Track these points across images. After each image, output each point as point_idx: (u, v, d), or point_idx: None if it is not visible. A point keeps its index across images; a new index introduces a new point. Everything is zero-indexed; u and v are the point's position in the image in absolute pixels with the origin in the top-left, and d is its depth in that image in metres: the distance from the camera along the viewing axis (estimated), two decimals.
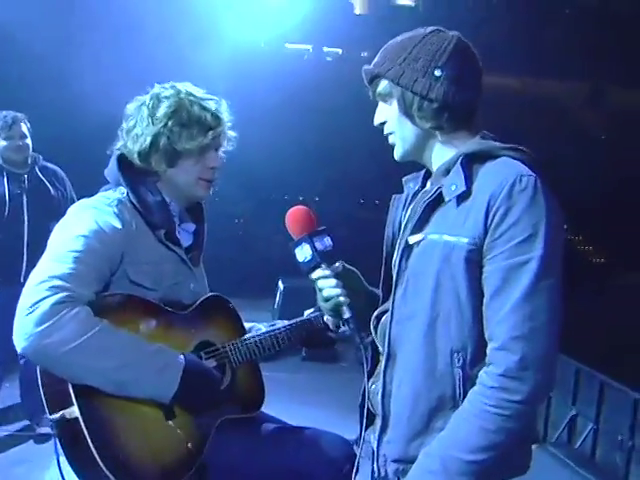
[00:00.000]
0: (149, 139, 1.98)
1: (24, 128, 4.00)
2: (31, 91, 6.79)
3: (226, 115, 2.10)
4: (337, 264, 1.74)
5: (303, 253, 1.71)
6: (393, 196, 1.85)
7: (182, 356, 1.85)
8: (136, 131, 2.01)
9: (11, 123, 3.94)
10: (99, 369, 1.70)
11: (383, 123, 1.71)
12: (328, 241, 1.71)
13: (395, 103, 1.66)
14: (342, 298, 1.71)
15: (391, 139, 1.71)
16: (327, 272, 1.71)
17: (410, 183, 1.83)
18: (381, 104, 1.71)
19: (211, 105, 2.06)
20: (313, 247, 1.69)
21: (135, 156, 2.01)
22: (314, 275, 1.73)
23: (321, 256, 1.70)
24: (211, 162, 2.07)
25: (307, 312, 2.36)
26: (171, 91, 2.04)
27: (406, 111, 1.64)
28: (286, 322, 2.28)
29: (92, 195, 2.03)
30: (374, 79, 1.69)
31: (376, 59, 1.69)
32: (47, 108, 6.37)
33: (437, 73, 1.60)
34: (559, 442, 4.01)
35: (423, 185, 1.78)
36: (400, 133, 1.68)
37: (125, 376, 1.73)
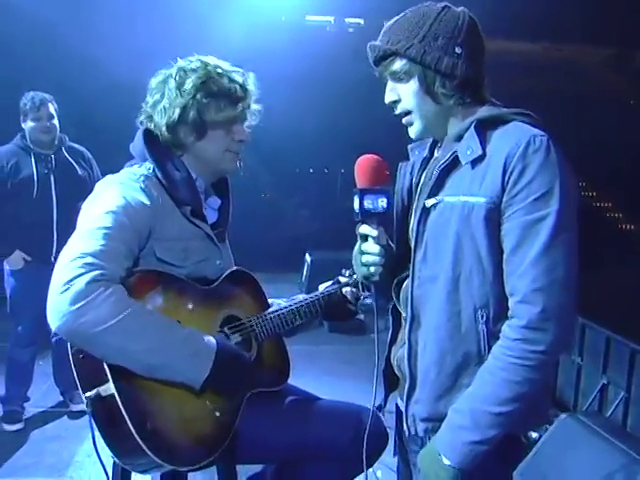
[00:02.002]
0: (178, 111, 1.98)
1: (52, 109, 4.02)
2: (44, 63, 6.82)
3: (253, 88, 2.10)
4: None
5: (355, 204, 1.70)
6: (400, 164, 1.87)
7: (214, 341, 1.85)
8: (163, 104, 2.00)
9: (39, 104, 3.96)
10: (130, 351, 1.70)
11: (395, 101, 1.71)
12: (382, 202, 1.68)
13: (413, 81, 1.66)
14: (374, 268, 1.72)
15: (407, 118, 1.72)
16: (374, 233, 1.70)
17: (416, 150, 1.86)
18: (392, 83, 1.71)
19: (238, 77, 2.06)
20: (361, 203, 1.68)
21: (163, 129, 2.01)
22: (360, 229, 1.72)
23: (364, 215, 1.69)
24: (239, 135, 2.07)
25: (323, 285, 2.38)
26: (198, 63, 2.03)
27: (428, 89, 1.65)
28: (306, 295, 2.30)
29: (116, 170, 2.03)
30: (386, 57, 1.68)
31: (386, 37, 1.68)
32: (63, 78, 6.40)
33: (458, 50, 1.62)
34: (590, 411, 4.00)
35: (431, 152, 1.81)
36: (420, 111, 1.69)
37: (155, 360, 1.73)
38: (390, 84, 1.71)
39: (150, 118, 2.05)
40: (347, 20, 9.94)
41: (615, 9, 7.56)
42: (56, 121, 4.04)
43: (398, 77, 1.69)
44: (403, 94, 1.69)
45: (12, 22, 6.56)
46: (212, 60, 2.05)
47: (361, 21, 9.99)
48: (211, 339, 1.86)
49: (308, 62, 7.92)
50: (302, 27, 9.30)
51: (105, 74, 6.85)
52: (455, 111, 1.69)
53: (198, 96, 1.98)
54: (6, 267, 4.09)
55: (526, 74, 9.25)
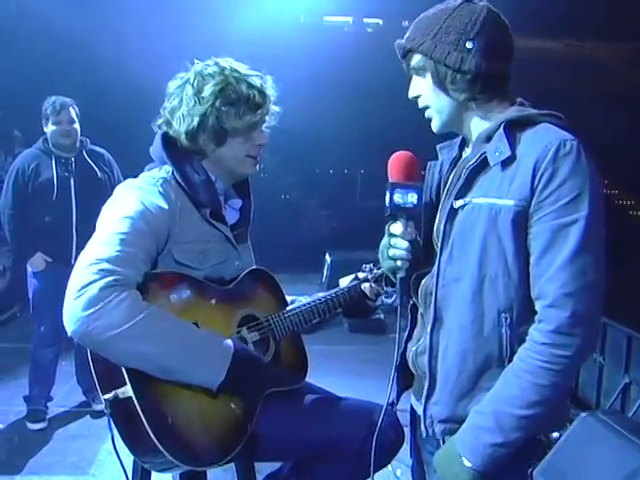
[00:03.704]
0: (197, 119, 1.96)
1: (72, 113, 4.07)
2: (61, 65, 6.88)
3: (271, 91, 2.08)
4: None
5: (386, 198, 1.70)
6: (428, 163, 1.87)
7: (231, 344, 1.86)
8: (182, 111, 1.99)
9: (60, 108, 4.01)
10: (144, 354, 1.71)
11: (417, 96, 1.73)
12: (412, 198, 1.68)
13: (429, 76, 1.67)
14: (400, 262, 1.70)
15: (427, 113, 1.73)
16: (402, 229, 1.69)
17: (444, 150, 1.86)
18: (415, 77, 1.73)
19: (257, 82, 2.03)
20: (391, 197, 1.68)
21: (182, 137, 2.00)
22: (392, 228, 1.71)
23: (394, 209, 1.68)
24: (259, 139, 2.07)
25: (342, 280, 2.38)
26: (215, 68, 2.01)
27: (440, 84, 1.66)
28: (325, 293, 2.29)
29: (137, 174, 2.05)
30: (407, 53, 1.71)
31: (408, 33, 1.70)
32: (79, 79, 6.46)
33: (469, 45, 1.61)
34: (610, 410, 3.96)
35: (460, 152, 1.81)
36: (435, 106, 1.70)
37: (171, 363, 1.75)
38: (414, 79, 1.73)
39: (168, 124, 2.04)
40: (365, 20, 9.94)
41: (637, 4, 7.49)
42: (77, 125, 4.09)
43: (417, 72, 1.71)
44: (422, 89, 1.71)
45: (28, 25, 6.64)
46: (229, 63, 2.03)
47: (380, 21, 9.98)
48: (228, 341, 1.87)
49: (327, 63, 7.93)
50: (320, 28, 9.31)
51: (121, 72, 6.91)
52: (471, 107, 1.68)
53: (217, 104, 1.96)
54: (29, 268, 4.14)
55: (547, 71, 9.19)
